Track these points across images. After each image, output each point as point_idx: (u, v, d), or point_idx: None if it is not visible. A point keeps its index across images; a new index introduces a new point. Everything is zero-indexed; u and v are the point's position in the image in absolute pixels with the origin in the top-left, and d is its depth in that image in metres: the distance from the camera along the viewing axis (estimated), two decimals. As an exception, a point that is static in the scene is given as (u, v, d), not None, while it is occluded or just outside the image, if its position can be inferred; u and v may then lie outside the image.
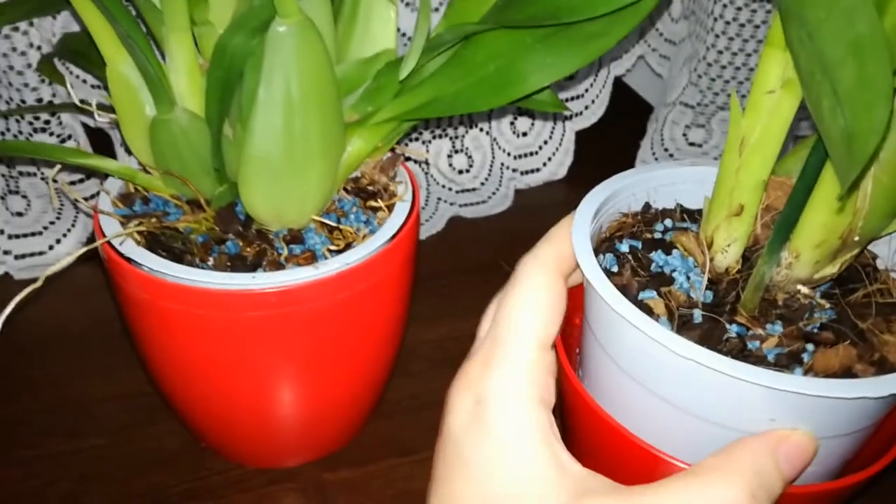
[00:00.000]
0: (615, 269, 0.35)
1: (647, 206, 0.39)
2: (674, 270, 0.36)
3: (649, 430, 0.34)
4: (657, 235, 0.37)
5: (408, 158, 0.62)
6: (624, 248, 0.36)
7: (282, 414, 0.43)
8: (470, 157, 0.67)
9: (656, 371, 0.32)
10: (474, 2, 0.38)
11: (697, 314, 0.33)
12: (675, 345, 0.29)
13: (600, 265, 0.33)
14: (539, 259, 0.29)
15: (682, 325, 0.33)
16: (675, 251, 0.36)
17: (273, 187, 0.37)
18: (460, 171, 0.67)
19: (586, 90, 0.68)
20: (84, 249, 0.36)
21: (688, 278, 0.36)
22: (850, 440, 0.33)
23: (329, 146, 0.37)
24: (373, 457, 0.47)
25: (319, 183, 0.38)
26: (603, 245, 0.37)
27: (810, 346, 0.34)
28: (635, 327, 0.31)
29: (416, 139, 0.64)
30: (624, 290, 0.33)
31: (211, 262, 0.38)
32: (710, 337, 0.32)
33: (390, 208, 0.41)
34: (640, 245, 0.36)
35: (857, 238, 0.37)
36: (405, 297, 0.44)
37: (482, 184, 0.68)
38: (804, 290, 0.36)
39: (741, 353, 0.32)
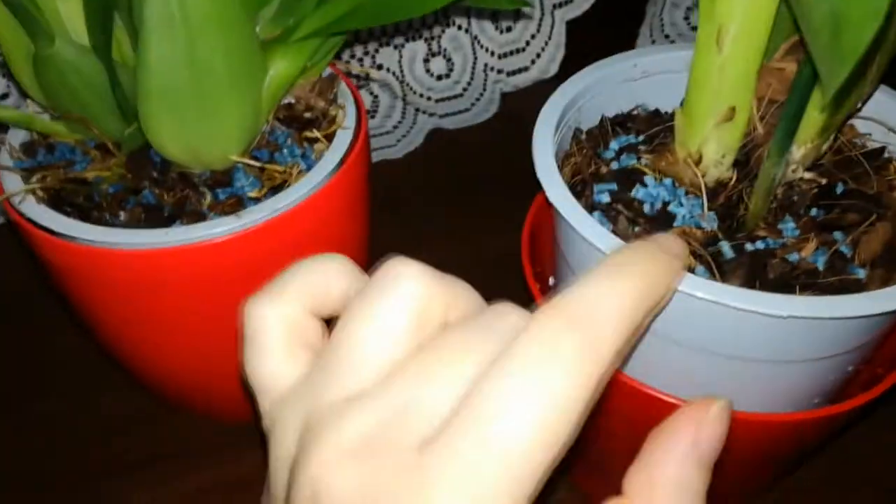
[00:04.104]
0: (610, 227, 0.30)
1: (578, 131, 0.34)
2: (667, 203, 0.31)
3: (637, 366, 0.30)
4: (614, 166, 0.32)
5: (366, 77, 0.56)
6: (605, 198, 0.31)
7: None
8: (449, 59, 0.60)
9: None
10: None
11: (726, 247, 0.29)
12: (724, 296, 0.25)
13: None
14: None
15: (721, 270, 0.28)
16: (647, 178, 0.31)
17: (180, 125, 0.32)
18: (439, 77, 0.61)
19: (575, -27, 0.60)
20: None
21: (681, 204, 0.31)
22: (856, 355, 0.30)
23: (240, 71, 0.32)
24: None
25: (236, 116, 0.33)
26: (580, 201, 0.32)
27: (838, 235, 0.30)
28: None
29: (387, 44, 0.58)
30: None
31: (123, 216, 0.33)
32: (755, 274, 0.28)
33: (330, 138, 0.36)
34: (615, 187, 0.31)
35: (859, 105, 0.31)
36: (357, 234, 0.39)
37: (464, 90, 0.61)
38: (807, 175, 0.32)
39: (791, 274, 0.28)
